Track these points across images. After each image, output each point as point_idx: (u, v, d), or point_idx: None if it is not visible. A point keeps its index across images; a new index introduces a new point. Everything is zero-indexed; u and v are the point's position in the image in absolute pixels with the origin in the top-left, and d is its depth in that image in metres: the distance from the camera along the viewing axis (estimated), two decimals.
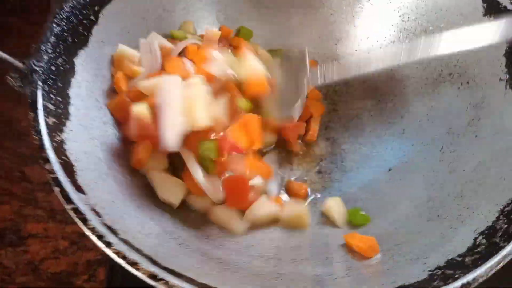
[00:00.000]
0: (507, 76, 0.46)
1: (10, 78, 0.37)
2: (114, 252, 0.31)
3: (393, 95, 0.58)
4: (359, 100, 0.60)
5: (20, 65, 0.36)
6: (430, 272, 0.34)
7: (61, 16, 0.42)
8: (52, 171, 0.33)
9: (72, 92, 0.42)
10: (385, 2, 0.57)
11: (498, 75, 0.47)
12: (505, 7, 0.47)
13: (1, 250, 0.81)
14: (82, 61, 0.44)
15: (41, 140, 0.35)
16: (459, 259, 0.34)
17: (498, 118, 0.46)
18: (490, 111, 0.47)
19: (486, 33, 0.41)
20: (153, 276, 0.30)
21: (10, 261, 0.77)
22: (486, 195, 0.41)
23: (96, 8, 0.47)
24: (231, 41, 0.58)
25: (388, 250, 0.41)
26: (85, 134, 0.41)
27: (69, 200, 0.32)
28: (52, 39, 0.41)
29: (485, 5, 0.49)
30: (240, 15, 0.61)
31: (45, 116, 0.36)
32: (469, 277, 0.32)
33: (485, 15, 0.49)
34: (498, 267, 0.33)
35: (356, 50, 0.61)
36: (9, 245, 0.81)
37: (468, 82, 0.51)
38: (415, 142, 0.53)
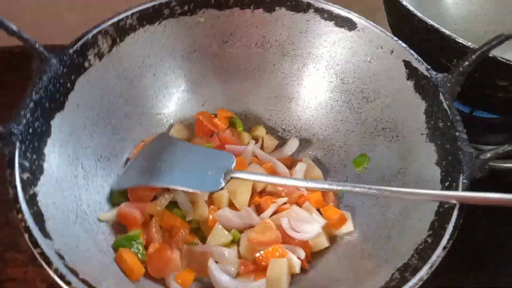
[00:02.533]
0: (427, 131, 0.53)
1: None
2: None
3: (338, 147, 0.65)
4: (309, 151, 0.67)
5: (1, 129, 0.42)
6: None
7: (39, 85, 0.49)
8: (23, 220, 0.38)
9: (47, 150, 0.47)
10: (327, 68, 0.65)
11: (420, 130, 0.54)
12: (422, 73, 0.54)
13: None
14: (58, 122, 0.50)
15: (15, 193, 0.40)
16: None
17: (420, 168, 0.52)
18: (413, 162, 0.54)
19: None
20: None
21: None
22: (406, 237, 0.47)
23: (72, 77, 0.53)
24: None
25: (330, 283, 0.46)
26: (56, 187, 0.46)
27: (36, 245, 0.37)
28: (31, 105, 0.47)
29: (407, 71, 0.56)
30: (203, 81, 0.68)
31: (20, 172, 0.42)
32: None
33: (407, 79, 0.56)
34: None
35: (306, 108, 0.68)
36: None
37: (397, 136, 0.58)
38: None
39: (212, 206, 0.57)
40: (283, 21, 0.65)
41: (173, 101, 0.67)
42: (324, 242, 0.53)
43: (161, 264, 0.46)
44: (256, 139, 0.67)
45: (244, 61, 0.68)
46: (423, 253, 0.42)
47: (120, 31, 0.58)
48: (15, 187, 0.41)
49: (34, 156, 0.46)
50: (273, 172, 0.61)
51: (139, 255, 0.46)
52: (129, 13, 0.59)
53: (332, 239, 0.55)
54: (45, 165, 0.47)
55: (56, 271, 0.36)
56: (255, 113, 0.70)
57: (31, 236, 0.38)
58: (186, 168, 0.55)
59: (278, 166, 0.62)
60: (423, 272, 0.40)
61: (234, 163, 0.55)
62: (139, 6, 0.59)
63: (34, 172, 0.44)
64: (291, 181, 0.54)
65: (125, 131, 0.61)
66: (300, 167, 0.61)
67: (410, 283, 0.39)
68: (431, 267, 0.40)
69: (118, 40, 0.59)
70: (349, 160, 0.63)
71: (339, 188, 0.49)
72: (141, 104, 0.63)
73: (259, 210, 0.58)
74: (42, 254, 0.37)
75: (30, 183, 0.43)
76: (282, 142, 0.68)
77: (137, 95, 0.63)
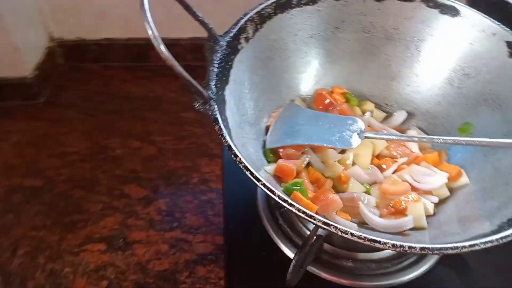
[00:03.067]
0: None
1: (197, 102, 0.54)
2: None
3: (441, 118, 0.74)
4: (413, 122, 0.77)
5: (205, 93, 0.53)
6: (498, 225, 0.48)
7: (216, 60, 0.60)
8: (241, 162, 0.49)
9: (227, 114, 0.58)
10: (429, 50, 0.74)
11: None
12: None
13: (112, 253, 0.96)
14: (227, 93, 0.61)
15: (228, 142, 0.50)
16: None
17: None
18: None
19: None
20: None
21: (121, 262, 0.91)
22: None
23: (232, 56, 0.64)
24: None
25: (459, 221, 0.56)
26: (238, 143, 0.57)
27: (258, 179, 0.47)
28: (215, 76, 0.58)
29: (510, 50, 0.66)
30: (314, 63, 0.79)
31: (224, 125, 0.52)
32: None
33: (509, 57, 0.66)
34: None
35: (407, 85, 0.78)
36: (119, 249, 0.95)
37: (500, 105, 0.67)
38: (462, 151, 0.69)
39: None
40: (390, 9, 0.75)
41: (292, 80, 0.77)
42: (446, 192, 0.63)
43: (326, 203, 0.56)
44: (364, 113, 0.77)
45: (351, 44, 0.78)
46: None
47: (261, 18, 0.69)
48: (225, 137, 0.51)
49: (223, 117, 0.56)
50: None
51: (306, 197, 0.57)
52: (268, 3, 0.69)
53: (450, 190, 0.65)
54: (230, 125, 0.57)
55: (279, 196, 0.46)
56: (360, 92, 0.80)
57: (251, 172, 0.48)
58: (322, 130, 0.65)
59: (392, 132, 0.72)
60: None
61: (364, 125, 0.65)
62: None
63: (228, 129, 0.55)
64: (417, 138, 0.64)
65: (262, 104, 0.72)
66: (412, 133, 0.71)
67: None
68: None
69: (259, 27, 0.69)
70: (453, 129, 0.72)
71: (464, 142, 0.58)
72: (270, 81, 0.74)
73: (380, 170, 0.68)
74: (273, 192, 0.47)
75: (230, 137, 0.53)
76: (388, 115, 0.78)
77: (267, 74, 0.73)
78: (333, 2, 0.75)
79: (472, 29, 0.70)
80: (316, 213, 0.57)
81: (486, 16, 0.69)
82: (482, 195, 0.60)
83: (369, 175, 0.66)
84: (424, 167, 0.66)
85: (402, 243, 0.42)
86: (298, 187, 0.58)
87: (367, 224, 0.59)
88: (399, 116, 0.76)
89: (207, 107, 0.54)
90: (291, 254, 0.68)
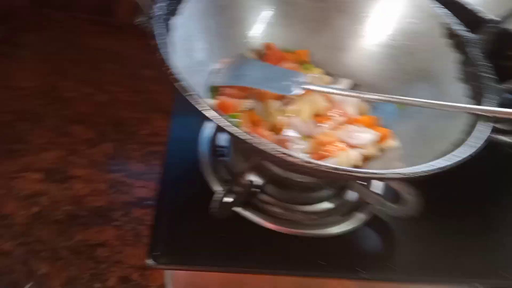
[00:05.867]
0: (461, 75, 0.69)
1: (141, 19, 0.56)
2: None
3: (382, 91, 0.80)
4: None
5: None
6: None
7: None
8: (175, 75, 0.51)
9: (174, 41, 0.60)
10: (376, 26, 0.80)
11: (453, 76, 0.70)
12: (459, 32, 0.71)
13: (49, 183, 0.95)
14: (179, 24, 0.63)
15: (161, 54, 0.53)
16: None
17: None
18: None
19: None
20: None
21: (56, 193, 0.91)
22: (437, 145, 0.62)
23: None
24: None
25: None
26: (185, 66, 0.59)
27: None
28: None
29: (447, 31, 0.73)
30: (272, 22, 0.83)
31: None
32: None
33: (446, 37, 0.73)
34: None
35: (353, 58, 0.84)
36: (56, 181, 0.94)
37: (434, 81, 0.73)
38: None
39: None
40: None
41: (244, 33, 0.81)
42: (375, 150, 0.68)
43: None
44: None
45: (306, 11, 0.83)
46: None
47: None
48: (160, 50, 0.54)
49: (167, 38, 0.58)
50: (331, 100, 0.75)
51: None
52: None
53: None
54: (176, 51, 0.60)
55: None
56: (312, 58, 0.85)
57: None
58: (267, 77, 0.69)
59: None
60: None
61: (306, 79, 0.69)
62: None
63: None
64: (355, 93, 0.68)
65: (215, 47, 0.74)
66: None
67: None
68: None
69: None
70: None
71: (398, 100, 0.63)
72: (224, 30, 0.77)
73: None
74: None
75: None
76: (335, 82, 0.83)
77: (221, 21, 0.76)
78: None
79: (414, 8, 0.76)
80: None
81: None
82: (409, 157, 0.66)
83: (306, 127, 0.70)
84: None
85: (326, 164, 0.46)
86: (235, 120, 0.61)
87: None
88: (345, 83, 0.81)
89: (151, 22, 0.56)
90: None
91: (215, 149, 0.77)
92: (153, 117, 1.12)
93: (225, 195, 0.63)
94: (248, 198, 0.70)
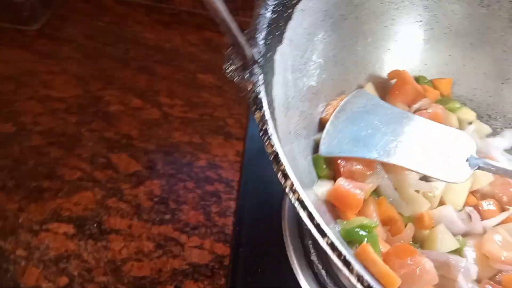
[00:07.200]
0: None
1: (230, 66, 0.30)
2: None
3: None
4: None
5: (249, 53, 0.29)
6: None
7: (270, 4, 0.36)
8: (294, 190, 0.26)
9: (274, 93, 0.35)
10: None
11: None
12: None
13: (80, 241, 0.75)
14: (279, 59, 0.37)
15: (274, 148, 0.27)
16: None
17: None
18: None
19: None
20: None
21: (90, 255, 0.71)
22: None
23: (293, 1, 0.40)
24: None
25: None
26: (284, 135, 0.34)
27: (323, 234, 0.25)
28: (264, 27, 0.34)
29: None
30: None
31: (271, 118, 0.29)
32: None
33: None
34: None
35: None
36: (90, 237, 0.75)
37: None
38: None
39: None
40: None
41: (367, 55, 0.54)
42: None
43: (413, 273, 0.33)
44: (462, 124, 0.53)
45: (459, 21, 0.54)
46: None
47: None
48: (270, 137, 0.28)
49: (269, 98, 0.33)
50: None
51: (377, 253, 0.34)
52: None
53: None
54: (275, 113, 0.34)
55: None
56: (455, 92, 0.56)
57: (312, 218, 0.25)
58: (413, 143, 0.42)
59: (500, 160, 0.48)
60: None
61: (475, 147, 0.41)
62: None
63: (273, 119, 0.32)
64: None
65: (320, 83, 0.48)
66: None
67: None
68: None
69: None
70: None
71: None
72: (338, 51, 0.50)
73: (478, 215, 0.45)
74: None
75: (276, 134, 0.30)
76: (492, 132, 0.54)
77: (335, 40, 0.49)
78: None
79: None
80: None
81: None
82: None
83: (464, 222, 0.43)
84: None
85: None
86: (367, 235, 0.35)
87: None
88: (509, 137, 0.52)
89: (248, 74, 0.31)
90: None
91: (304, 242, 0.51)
92: (211, 142, 0.90)
93: None
94: None
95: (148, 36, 1.12)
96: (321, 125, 0.46)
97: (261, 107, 0.29)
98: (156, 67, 1.05)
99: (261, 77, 0.32)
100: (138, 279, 0.69)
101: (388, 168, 0.44)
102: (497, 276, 0.39)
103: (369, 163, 0.42)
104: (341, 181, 0.40)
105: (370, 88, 0.52)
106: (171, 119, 0.93)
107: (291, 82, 0.42)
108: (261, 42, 0.33)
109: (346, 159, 0.42)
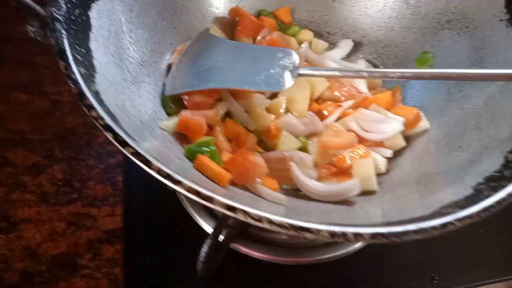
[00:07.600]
0: (508, 16, 0.48)
1: (30, 27, 0.34)
2: None
3: (394, 47, 0.59)
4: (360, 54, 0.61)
5: (42, 12, 0.33)
6: (474, 188, 0.35)
7: None
8: (99, 117, 0.31)
9: (92, 45, 0.39)
10: None
11: (498, 16, 0.49)
12: None
13: None
14: (95, 14, 0.41)
15: (80, 88, 0.32)
16: (496, 174, 0.36)
17: (501, 56, 0.48)
18: (492, 50, 0.50)
19: None
20: None
21: (3, 247, 0.72)
22: (503, 120, 0.43)
23: None
24: None
25: (419, 181, 0.42)
26: (111, 88, 0.38)
27: (125, 144, 0.30)
28: None
29: None
30: None
31: (76, 65, 0.33)
32: None
33: None
34: None
35: (353, 7, 0.62)
36: (1, 232, 0.75)
37: (467, 27, 0.53)
38: (420, 88, 0.55)
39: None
40: None
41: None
42: (402, 142, 0.50)
43: (245, 169, 0.40)
44: (300, 43, 0.60)
45: None
46: None
47: None
48: (77, 81, 0.32)
49: (83, 50, 0.37)
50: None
51: (217, 162, 0.40)
52: None
53: (407, 139, 0.51)
54: (95, 63, 0.39)
55: (159, 171, 0.30)
56: (294, 16, 0.62)
57: (116, 135, 0.30)
58: (243, 67, 0.48)
59: (335, 67, 0.56)
60: None
61: (298, 59, 0.48)
62: None
63: (88, 68, 0.36)
64: (367, 73, 0.47)
65: (160, 34, 0.52)
66: (359, 67, 0.55)
67: None
68: None
69: None
70: (408, 60, 0.58)
71: (427, 75, 0.43)
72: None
73: (319, 117, 0.53)
74: (137, 154, 0.30)
75: (89, 80, 0.34)
76: (331, 46, 0.61)
77: None
78: None
79: None
80: (233, 184, 0.41)
81: None
82: (447, 144, 0.46)
83: (306, 125, 0.51)
84: (374, 111, 0.51)
85: (343, 230, 0.28)
86: (206, 149, 0.41)
87: (302, 192, 0.44)
88: (344, 46, 0.60)
89: (49, 31, 0.34)
90: (210, 229, 0.52)
91: None
92: None
93: (212, 248, 0.45)
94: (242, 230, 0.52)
95: (20, 30, 1.08)
96: (169, 70, 0.51)
97: (64, 58, 0.33)
98: (35, 58, 1.03)
99: (64, 32, 0.35)
100: (56, 256, 0.72)
101: (236, 94, 0.50)
102: (332, 161, 0.47)
103: (210, 93, 0.47)
104: (183, 112, 0.45)
105: (214, 29, 0.57)
106: (62, 105, 0.93)
107: (126, 33, 0.46)
108: (62, 0, 0.37)
109: (189, 93, 0.47)
